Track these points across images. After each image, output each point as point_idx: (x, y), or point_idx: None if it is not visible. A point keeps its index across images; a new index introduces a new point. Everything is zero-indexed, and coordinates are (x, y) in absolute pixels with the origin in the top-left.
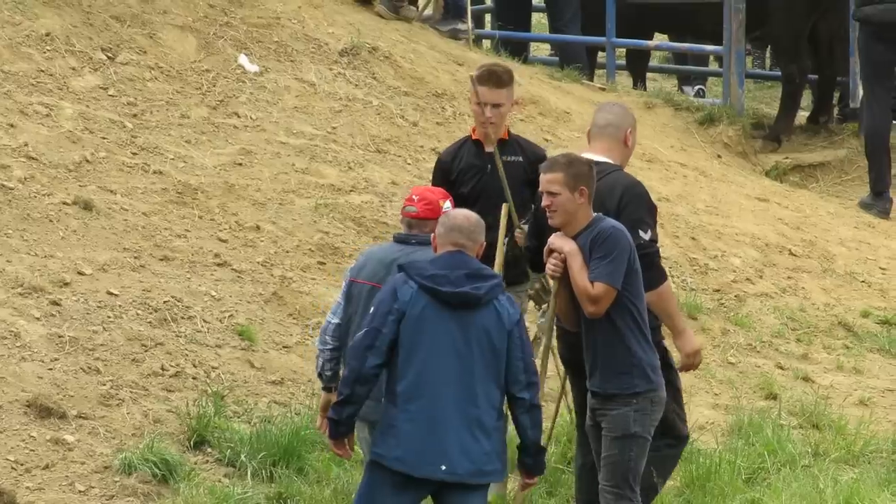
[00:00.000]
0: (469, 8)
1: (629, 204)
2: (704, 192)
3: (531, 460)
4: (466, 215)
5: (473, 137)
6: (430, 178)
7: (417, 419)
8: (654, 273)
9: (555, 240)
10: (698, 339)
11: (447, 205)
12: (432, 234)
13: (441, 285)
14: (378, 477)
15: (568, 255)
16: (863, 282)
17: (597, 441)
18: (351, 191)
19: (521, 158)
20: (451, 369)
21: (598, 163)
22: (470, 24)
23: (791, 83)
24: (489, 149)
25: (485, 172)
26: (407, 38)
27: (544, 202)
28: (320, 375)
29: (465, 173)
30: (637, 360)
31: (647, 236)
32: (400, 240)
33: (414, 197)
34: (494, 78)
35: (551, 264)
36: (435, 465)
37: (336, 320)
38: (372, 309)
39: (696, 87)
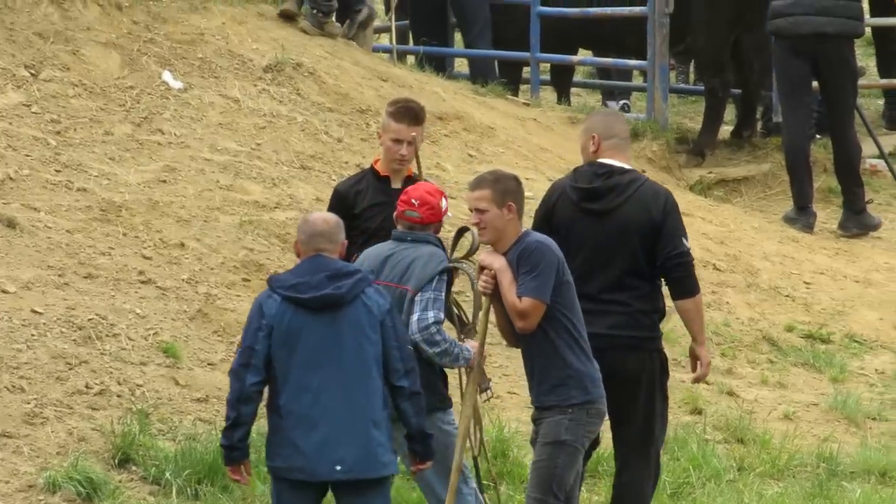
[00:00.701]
0: (393, 23)
1: (672, 212)
2: None
3: (419, 447)
4: (325, 219)
5: (381, 173)
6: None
7: (304, 425)
8: (693, 281)
9: (485, 256)
10: None
11: (444, 203)
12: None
13: (303, 292)
14: (280, 486)
15: (498, 271)
16: (787, 296)
17: None
18: (276, 207)
19: None
20: (329, 371)
21: (630, 170)
22: (393, 39)
23: (714, 97)
24: (396, 185)
25: (393, 208)
26: (331, 55)
27: (473, 219)
28: None
29: (372, 209)
30: (573, 372)
31: (687, 244)
32: (397, 237)
33: (414, 201)
34: (412, 114)
35: (482, 281)
36: (330, 466)
37: None
38: (244, 327)
39: (621, 102)
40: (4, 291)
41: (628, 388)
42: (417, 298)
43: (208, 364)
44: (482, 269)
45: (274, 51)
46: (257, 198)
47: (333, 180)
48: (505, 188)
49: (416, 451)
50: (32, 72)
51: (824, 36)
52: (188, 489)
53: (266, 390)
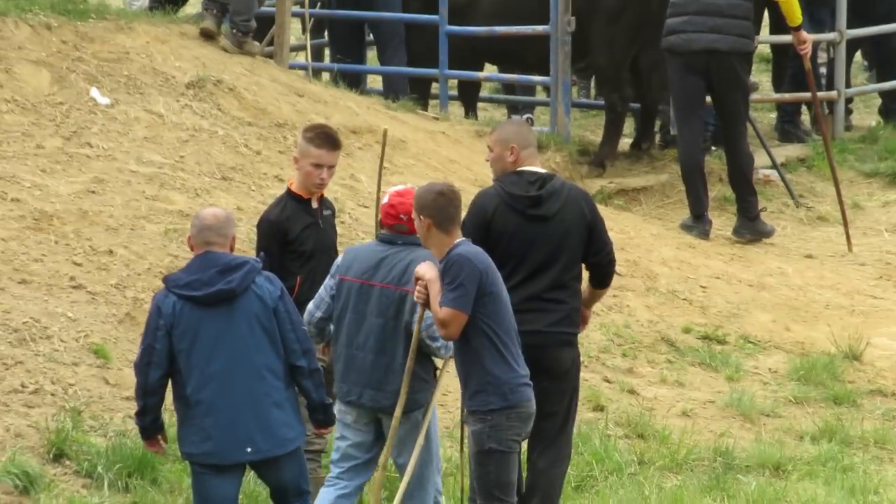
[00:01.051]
0: (308, 42)
1: (596, 210)
2: None
3: (322, 416)
4: (215, 213)
5: (303, 196)
6: (258, 239)
7: (212, 413)
8: (612, 275)
9: (419, 267)
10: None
11: None
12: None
13: (196, 289)
14: (198, 471)
15: (428, 282)
16: (684, 299)
17: None
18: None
19: (331, 211)
20: (230, 360)
21: (553, 175)
22: (309, 57)
23: (614, 111)
24: (315, 205)
25: (319, 228)
26: (250, 72)
27: None
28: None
29: (304, 232)
30: (493, 379)
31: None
32: (386, 240)
33: (402, 216)
34: (331, 140)
35: (417, 291)
36: (241, 449)
37: (320, 314)
38: (145, 325)
39: (525, 116)
40: None
41: (560, 382)
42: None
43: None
44: (417, 279)
45: (196, 68)
46: (181, 207)
47: (253, 191)
48: (420, 203)
49: (318, 420)
50: None
51: (716, 53)
52: (119, 482)
53: (172, 382)
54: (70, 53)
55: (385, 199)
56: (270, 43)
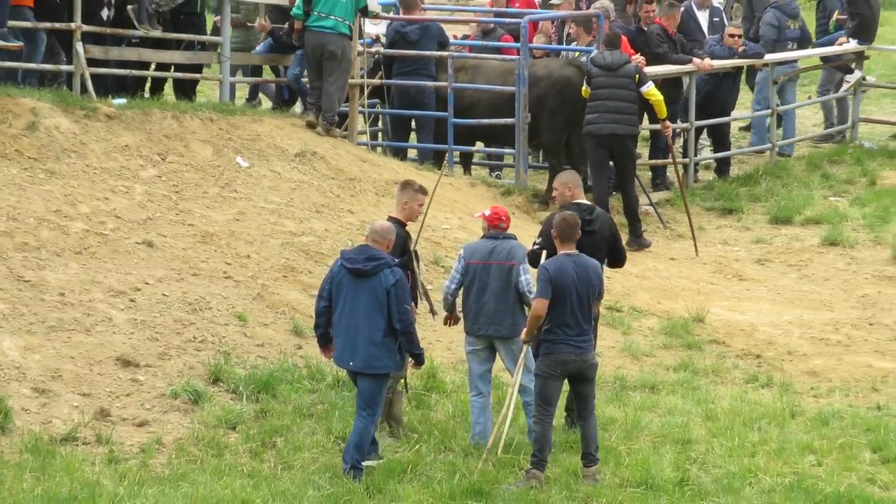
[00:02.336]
0: (368, 129)
1: (616, 228)
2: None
3: (417, 360)
4: (382, 225)
5: (404, 222)
6: (394, 246)
7: (338, 337)
8: (623, 262)
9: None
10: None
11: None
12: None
13: (349, 263)
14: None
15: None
16: None
17: None
18: (302, 234)
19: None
20: (352, 310)
21: (594, 205)
22: (368, 137)
23: (554, 170)
24: (408, 229)
25: (410, 239)
26: (333, 147)
27: None
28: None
29: (410, 243)
30: (545, 337)
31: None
32: (492, 236)
33: (503, 218)
34: (424, 190)
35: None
36: (346, 362)
37: (454, 286)
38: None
39: (495, 174)
40: (146, 283)
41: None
42: (521, 268)
43: (264, 325)
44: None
45: (300, 144)
46: (291, 229)
47: (335, 220)
48: (555, 222)
49: (416, 361)
50: (161, 157)
51: (616, 135)
52: (252, 396)
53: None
54: (224, 135)
55: (487, 212)
56: (346, 129)
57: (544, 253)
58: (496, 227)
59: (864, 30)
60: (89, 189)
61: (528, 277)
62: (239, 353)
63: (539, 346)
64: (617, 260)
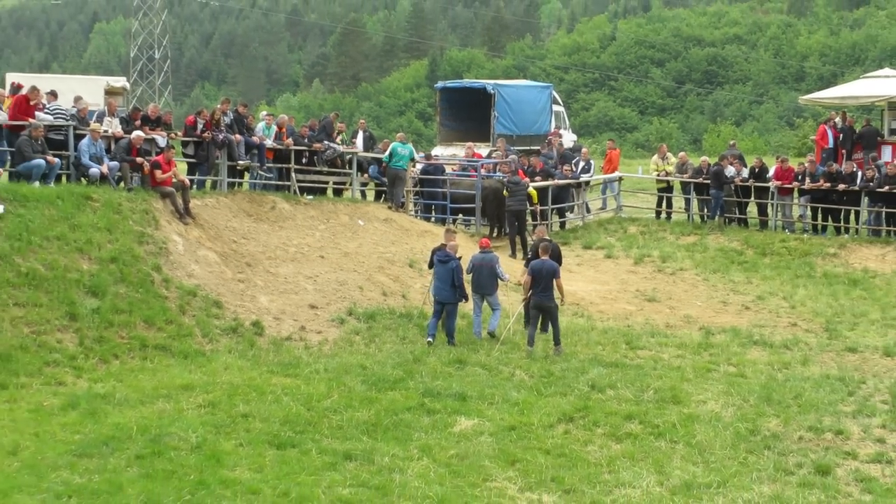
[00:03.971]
0: (412, 206)
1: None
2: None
3: (464, 299)
4: (452, 245)
5: (447, 246)
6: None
7: (436, 286)
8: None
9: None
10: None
11: None
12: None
13: (439, 258)
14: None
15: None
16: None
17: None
18: (385, 253)
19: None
20: (442, 276)
21: (551, 240)
22: (415, 210)
23: (492, 225)
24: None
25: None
26: (398, 216)
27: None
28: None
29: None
30: (533, 290)
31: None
32: (483, 251)
33: (489, 246)
34: (452, 230)
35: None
36: (439, 296)
37: (468, 275)
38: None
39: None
40: (321, 273)
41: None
42: (497, 265)
43: (370, 290)
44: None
45: (385, 214)
46: (381, 251)
47: (400, 248)
48: (537, 242)
49: (464, 300)
50: (326, 220)
51: (519, 210)
52: (365, 320)
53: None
54: (352, 211)
55: (482, 241)
56: (403, 206)
57: (529, 258)
58: (484, 247)
59: None
60: (296, 233)
61: (502, 269)
62: (359, 302)
63: (530, 298)
64: (560, 263)
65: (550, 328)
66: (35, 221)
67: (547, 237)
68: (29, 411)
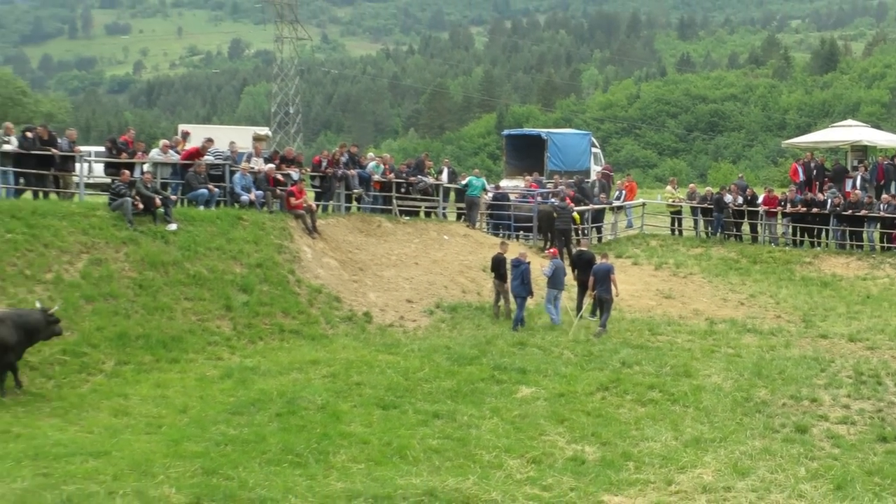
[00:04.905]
0: (477, 224)
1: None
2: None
3: (531, 295)
4: (522, 253)
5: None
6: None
7: (513, 283)
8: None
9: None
10: None
11: None
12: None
13: (515, 263)
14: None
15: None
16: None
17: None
18: (464, 260)
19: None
20: (516, 275)
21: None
22: (483, 226)
23: (549, 240)
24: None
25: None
26: (473, 232)
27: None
28: None
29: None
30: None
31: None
32: (555, 261)
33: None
34: (505, 243)
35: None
36: (514, 290)
37: (545, 273)
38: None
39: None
40: (415, 276)
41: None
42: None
43: (452, 289)
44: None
45: (464, 231)
46: (462, 259)
47: (476, 256)
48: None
49: (531, 295)
50: (419, 236)
51: (567, 229)
52: (449, 312)
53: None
54: (441, 228)
55: (552, 251)
56: (474, 225)
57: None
58: (554, 255)
59: None
60: (396, 246)
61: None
62: (444, 298)
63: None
64: (590, 269)
65: (598, 314)
66: (200, 236)
67: (584, 248)
68: (195, 379)
